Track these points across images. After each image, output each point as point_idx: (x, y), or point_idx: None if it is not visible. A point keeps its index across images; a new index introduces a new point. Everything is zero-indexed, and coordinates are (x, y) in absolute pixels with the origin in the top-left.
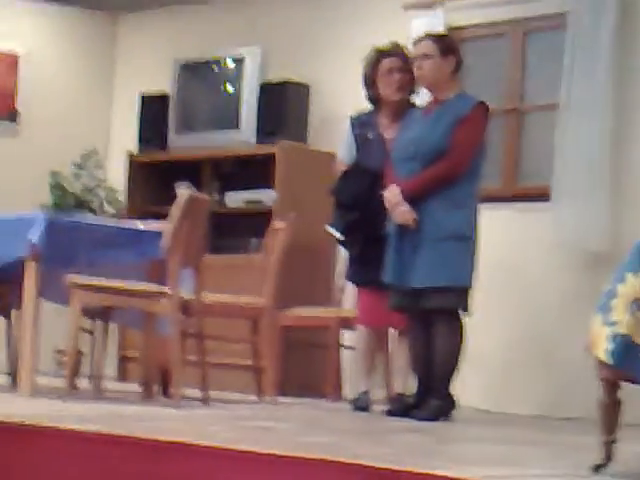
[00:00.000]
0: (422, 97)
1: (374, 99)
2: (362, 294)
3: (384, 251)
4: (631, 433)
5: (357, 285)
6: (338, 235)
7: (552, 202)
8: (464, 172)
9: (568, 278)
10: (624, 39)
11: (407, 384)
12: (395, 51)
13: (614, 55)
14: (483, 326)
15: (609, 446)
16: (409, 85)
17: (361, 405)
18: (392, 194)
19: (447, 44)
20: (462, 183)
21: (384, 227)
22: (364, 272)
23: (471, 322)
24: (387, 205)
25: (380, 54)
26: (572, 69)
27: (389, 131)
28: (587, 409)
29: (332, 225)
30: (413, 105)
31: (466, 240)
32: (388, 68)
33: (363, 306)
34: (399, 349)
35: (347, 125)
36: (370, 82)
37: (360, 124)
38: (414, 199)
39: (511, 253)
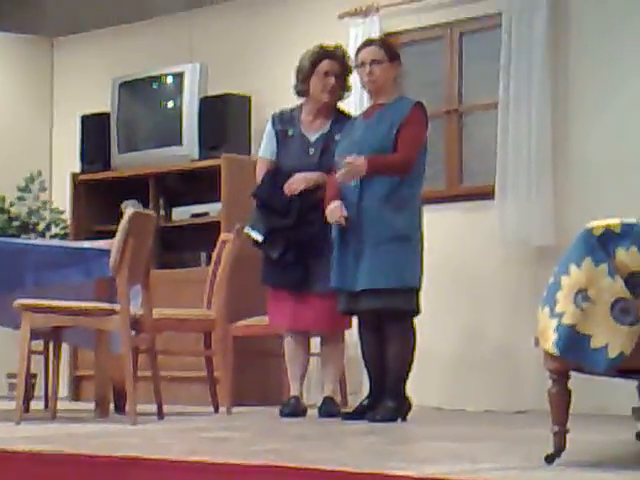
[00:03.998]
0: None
1: (302, 93)
2: (273, 295)
3: (302, 257)
4: (582, 422)
5: (272, 286)
6: (259, 237)
7: (496, 200)
8: (411, 170)
9: (514, 273)
10: (557, 35)
11: (336, 388)
12: (337, 55)
13: (548, 52)
14: (433, 324)
15: (561, 436)
16: (340, 90)
17: (287, 411)
18: (331, 207)
19: (393, 49)
20: (405, 184)
21: (307, 234)
22: (280, 274)
23: (421, 321)
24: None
25: (322, 54)
26: (509, 68)
27: (310, 129)
28: (539, 401)
29: (252, 227)
30: (341, 112)
31: (410, 241)
32: (325, 70)
33: (273, 309)
34: (324, 354)
35: (269, 121)
36: (303, 77)
37: (281, 120)
38: (368, 175)
39: (458, 252)
